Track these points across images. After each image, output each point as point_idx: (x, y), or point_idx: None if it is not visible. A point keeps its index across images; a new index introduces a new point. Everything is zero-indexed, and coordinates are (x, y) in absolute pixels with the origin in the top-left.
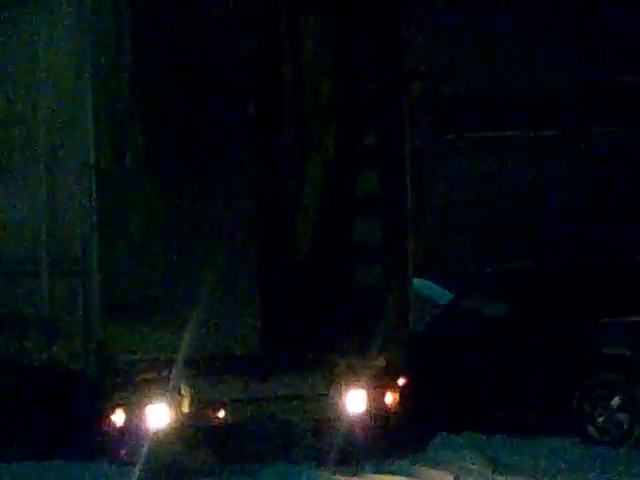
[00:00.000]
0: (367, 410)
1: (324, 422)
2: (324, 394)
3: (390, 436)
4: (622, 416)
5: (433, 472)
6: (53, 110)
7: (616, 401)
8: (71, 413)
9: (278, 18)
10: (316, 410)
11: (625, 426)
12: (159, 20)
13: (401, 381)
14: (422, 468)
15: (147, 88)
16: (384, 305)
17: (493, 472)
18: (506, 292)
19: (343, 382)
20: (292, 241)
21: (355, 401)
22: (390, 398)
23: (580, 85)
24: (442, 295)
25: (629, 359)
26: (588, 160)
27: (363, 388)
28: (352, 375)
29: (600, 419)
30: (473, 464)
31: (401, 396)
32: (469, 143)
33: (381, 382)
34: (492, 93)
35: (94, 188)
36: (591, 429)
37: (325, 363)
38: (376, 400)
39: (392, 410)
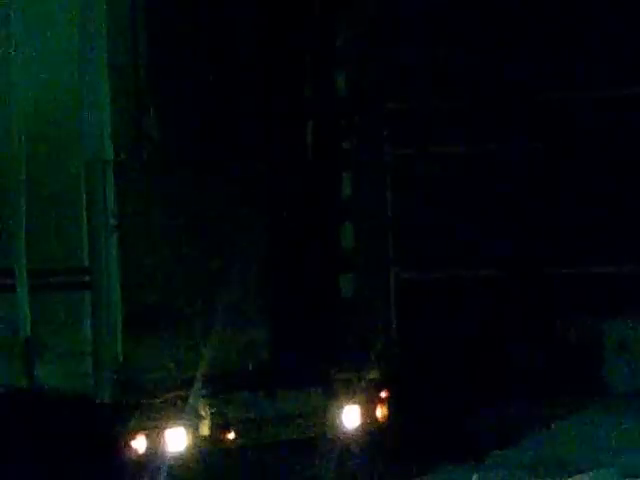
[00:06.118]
0: (361, 425)
1: (321, 439)
2: (323, 410)
3: None
4: None
5: None
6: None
7: None
8: (80, 439)
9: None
10: (314, 427)
11: None
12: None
13: (384, 394)
14: None
15: (164, 76)
16: (371, 316)
17: None
18: None
19: (341, 397)
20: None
21: (350, 416)
22: (380, 412)
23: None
24: None
25: None
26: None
27: (357, 403)
28: (348, 390)
29: None
30: None
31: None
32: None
33: (372, 396)
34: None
35: (112, 188)
36: None
37: (324, 377)
38: (369, 415)
39: (383, 424)
